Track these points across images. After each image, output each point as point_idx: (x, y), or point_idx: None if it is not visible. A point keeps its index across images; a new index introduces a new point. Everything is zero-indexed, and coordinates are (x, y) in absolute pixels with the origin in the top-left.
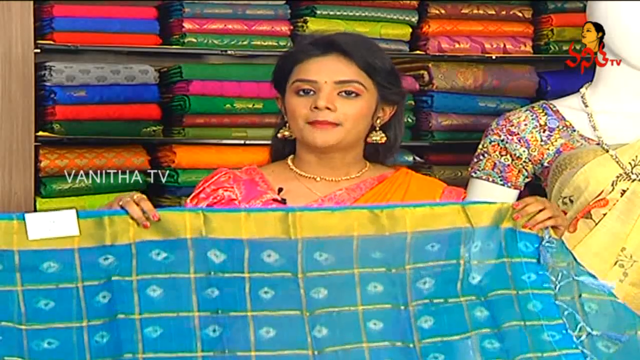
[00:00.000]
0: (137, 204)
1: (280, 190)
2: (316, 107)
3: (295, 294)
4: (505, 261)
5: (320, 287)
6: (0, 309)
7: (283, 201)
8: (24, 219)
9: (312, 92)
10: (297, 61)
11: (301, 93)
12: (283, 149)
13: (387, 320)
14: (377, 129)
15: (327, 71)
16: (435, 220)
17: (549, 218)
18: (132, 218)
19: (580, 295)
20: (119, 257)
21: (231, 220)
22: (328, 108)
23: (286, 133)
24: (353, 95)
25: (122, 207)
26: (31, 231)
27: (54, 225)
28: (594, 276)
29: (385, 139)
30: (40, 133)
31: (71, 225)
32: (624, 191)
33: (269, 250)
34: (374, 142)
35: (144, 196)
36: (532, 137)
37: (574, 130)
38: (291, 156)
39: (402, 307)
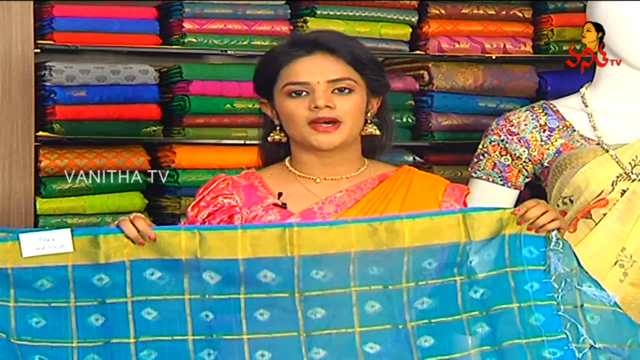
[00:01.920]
0: (133, 223)
1: (280, 194)
2: (316, 107)
3: (292, 315)
4: (508, 271)
5: (317, 307)
6: None
7: (283, 206)
8: (18, 239)
9: (305, 93)
10: (282, 64)
11: (294, 95)
12: (277, 152)
13: (385, 342)
14: (369, 121)
15: (317, 71)
16: (434, 235)
17: (553, 220)
18: (127, 237)
19: (582, 305)
20: (112, 275)
21: (227, 239)
22: (328, 106)
23: (277, 137)
24: (347, 91)
25: (117, 226)
26: (25, 249)
27: (47, 243)
28: (597, 284)
29: (378, 131)
30: (40, 133)
31: (65, 243)
32: (624, 191)
33: (265, 270)
34: (370, 134)
35: (142, 215)
36: (532, 137)
37: (574, 130)
38: (288, 158)
39: (401, 326)
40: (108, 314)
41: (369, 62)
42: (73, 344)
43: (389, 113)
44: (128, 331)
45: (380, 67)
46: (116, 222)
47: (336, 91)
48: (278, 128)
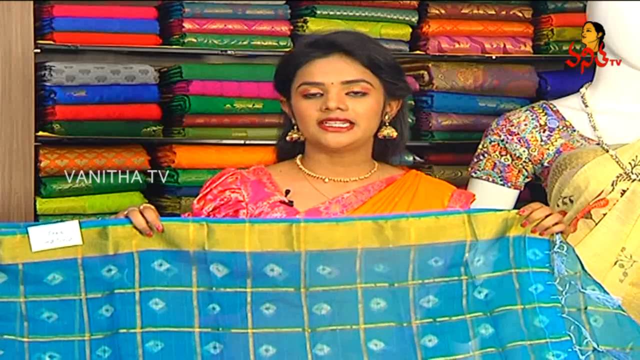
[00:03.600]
0: (142, 214)
1: (287, 192)
2: (327, 108)
3: (298, 310)
4: (513, 272)
5: (322, 303)
6: (3, 322)
7: (290, 203)
8: (27, 232)
9: (319, 94)
10: (300, 64)
11: (309, 96)
12: (293, 150)
13: (390, 339)
14: (387, 124)
15: (332, 72)
16: (440, 233)
17: (557, 224)
18: (136, 228)
19: (586, 308)
20: (121, 266)
21: (235, 232)
22: (339, 108)
23: (295, 136)
24: (361, 94)
25: (126, 217)
26: (34, 243)
27: (56, 236)
28: (601, 287)
29: (396, 133)
30: (40, 133)
31: (74, 236)
32: (624, 191)
33: (272, 264)
34: (386, 137)
35: (151, 206)
36: (532, 137)
37: (574, 130)
38: (300, 155)
39: (405, 325)
40: (116, 304)
41: (386, 65)
42: (85, 338)
43: (405, 116)
44: (135, 321)
45: (399, 70)
46: (125, 212)
47: (351, 94)
48: (295, 127)
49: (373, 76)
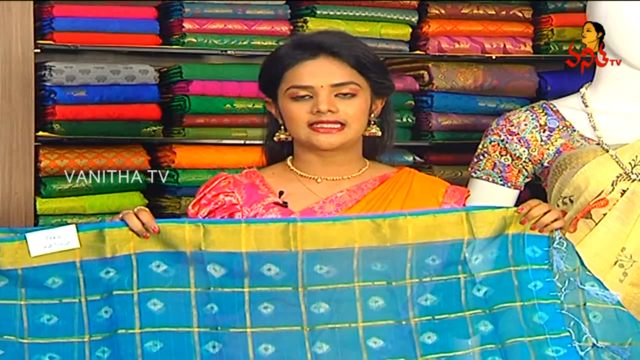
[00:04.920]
0: (137, 216)
1: (281, 193)
2: (318, 111)
3: (296, 309)
4: (512, 270)
5: (320, 301)
6: (3, 323)
7: (284, 204)
8: (25, 238)
9: (308, 97)
10: (287, 67)
11: (297, 98)
12: (281, 151)
13: (388, 337)
14: (372, 122)
15: (321, 75)
16: (437, 231)
17: (556, 220)
18: (132, 230)
19: (585, 304)
20: (120, 269)
21: (231, 233)
22: (330, 111)
23: (282, 136)
24: (350, 95)
25: (122, 220)
26: (33, 248)
27: (54, 240)
28: (600, 283)
29: (380, 132)
30: (40, 133)
31: (71, 239)
32: (624, 191)
33: (269, 264)
34: (372, 135)
35: (145, 208)
36: (532, 137)
37: (574, 130)
38: (290, 157)
39: (404, 322)
40: (115, 305)
41: (373, 65)
42: (84, 339)
43: (391, 114)
44: (134, 322)
45: (385, 69)
46: (120, 216)
47: (340, 95)
48: (282, 127)
49: (360, 76)
